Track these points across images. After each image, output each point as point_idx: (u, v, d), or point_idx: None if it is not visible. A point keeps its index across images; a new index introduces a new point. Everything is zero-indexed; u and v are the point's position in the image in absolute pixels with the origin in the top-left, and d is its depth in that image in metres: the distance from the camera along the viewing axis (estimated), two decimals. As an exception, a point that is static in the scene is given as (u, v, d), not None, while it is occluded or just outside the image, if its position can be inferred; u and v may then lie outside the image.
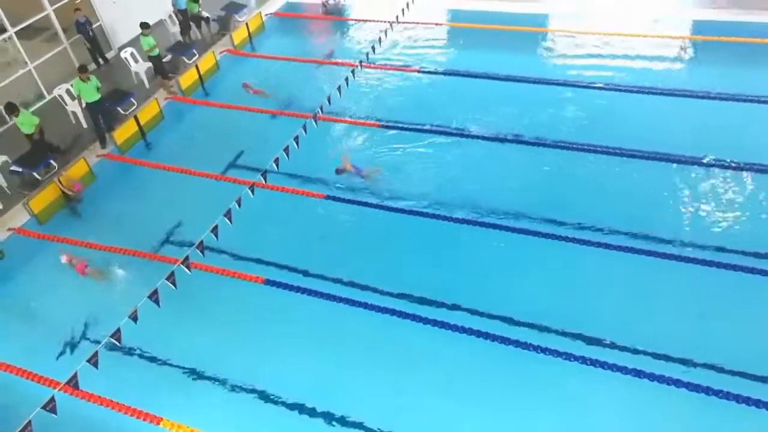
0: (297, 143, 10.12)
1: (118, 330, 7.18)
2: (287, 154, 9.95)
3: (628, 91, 12.34)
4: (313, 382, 7.74)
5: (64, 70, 14.35)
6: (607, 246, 8.92)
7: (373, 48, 13.34)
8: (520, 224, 9.52)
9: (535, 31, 15.11)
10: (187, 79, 14.30)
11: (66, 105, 13.28)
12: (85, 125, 13.16)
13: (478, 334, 7.93)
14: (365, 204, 10.31)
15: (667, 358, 7.43)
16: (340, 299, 8.66)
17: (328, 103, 11.36)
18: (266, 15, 17.44)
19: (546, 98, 12.51)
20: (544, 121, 11.68)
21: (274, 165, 9.76)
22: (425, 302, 8.49)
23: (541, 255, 9.07)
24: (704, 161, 10.28)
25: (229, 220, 8.73)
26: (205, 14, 16.38)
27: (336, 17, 17.63)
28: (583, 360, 7.47)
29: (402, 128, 12.08)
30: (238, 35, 16.13)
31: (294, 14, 18.04)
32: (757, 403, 6.82)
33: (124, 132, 12.62)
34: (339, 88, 11.49)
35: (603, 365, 7.39)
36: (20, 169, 11.55)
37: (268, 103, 13.38)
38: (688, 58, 13.58)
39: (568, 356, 7.52)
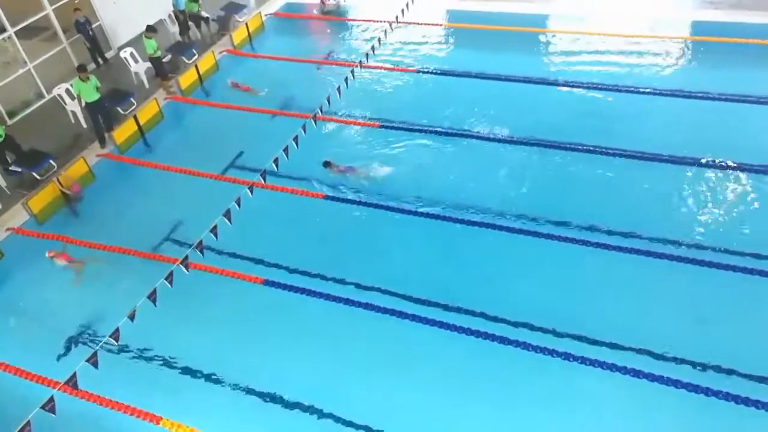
0: (296, 143, 10.12)
1: (117, 330, 7.18)
2: (287, 155, 9.96)
3: (628, 92, 12.33)
4: (313, 381, 7.73)
5: (63, 69, 14.36)
6: (607, 246, 8.92)
7: (373, 48, 13.35)
8: (521, 225, 9.52)
9: (534, 32, 15.12)
10: (186, 79, 14.30)
11: (65, 105, 13.28)
12: (84, 125, 13.16)
13: (478, 334, 7.92)
14: (364, 204, 10.31)
15: (667, 358, 7.43)
16: (338, 299, 8.65)
17: (327, 103, 11.36)
18: (266, 15, 17.46)
19: (546, 99, 12.53)
20: (544, 122, 11.67)
21: (274, 165, 9.76)
22: (425, 302, 8.48)
23: (542, 255, 9.06)
24: (704, 162, 10.28)
25: (229, 220, 8.74)
26: (204, 14, 16.40)
27: (335, 17, 17.64)
28: (584, 360, 7.46)
29: (401, 128, 12.08)
30: (238, 35, 16.14)
31: (294, 15, 18.05)
32: (757, 404, 6.81)
33: (123, 132, 12.62)
34: (338, 89, 11.49)
35: (603, 365, 7.38)
36: (19, 169, 11.55)
37: (268, 103, 13.37)
38: (688, 59, 13.59)
39: (568, 356, 7.52)
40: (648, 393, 7.12)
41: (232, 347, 8.30)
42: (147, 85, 14.41)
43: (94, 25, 14.92)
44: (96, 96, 12.07)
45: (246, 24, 16.45)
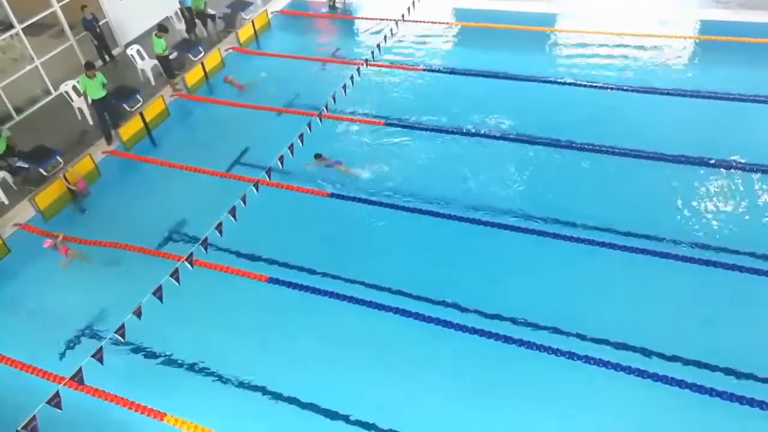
0: (302, 141, 10.13)
1: (123, 326, 7.21)
2: (292, 152, 9.97)
3: (632, 91, 12.28)
4: (317, 379, 7.74)
5: (70, 66, 14.41)
6: (613, 246, 8.89)
7: (379, 46, 13.34)
8: (524, 223, 9.51)
9: (540, 31, 15.07)
10: (192, 76, 14.33)
11: (72, 101, 13.34)
12: (91, 122, 13.21)
13: (480, 333, 7.91)
14: (368, 202, 10.30)
15: (671, 358, 7.41)
16: (343, 297, 8.65)
17: (333, 101, 11.36)
18: (272, 13, 17.46)
19: (550, 98, 12.49)
20: (549, 121, 11.63)
21: (279, 162, 9.78)
22: (428, 301, 8.48)
23: (544, 254, 9.04)
24: (709, 162, 10.23)
25: (234, 217, 8.75)
26: (211, 12, 16.42)
27: (342, 15, 17.63)
28: (588, 359, 7.45)
29: (407, 126, 12.08)
30: (244, 33, 16.15)
31: (300, 12, 18.05)
32: (762, 405, 6.79)
33: (129, 129, 12.65)
34: (344, 87, 11.48)
35: (607, 365, 7.37)
36: (26, 165, 11.61)
37: (274, 100, 13.38)
38: (695, 59, 13.51)
39: (572, 355, 7.50)
40: (649, 393, 7.10)
41: (237, 344, 8.32)
42: (153, 83, 14.45)
43: (101, 22, 14.97)
44: (102, 93, 12.11)
45: (252, 21, 16.45)
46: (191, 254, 8.15)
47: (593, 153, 10.79)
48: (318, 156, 10.96)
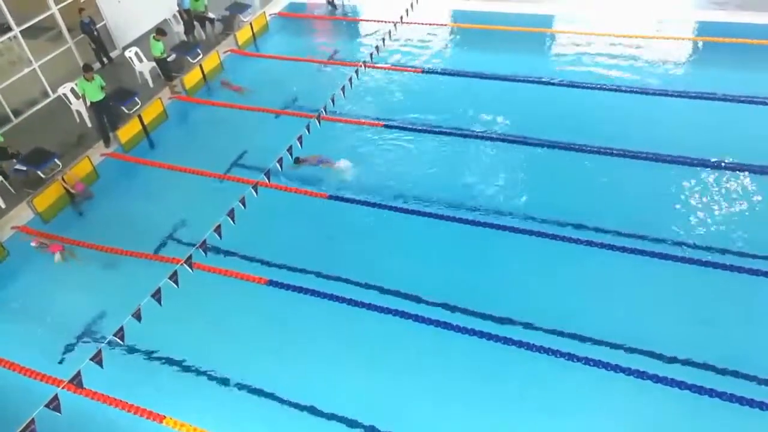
0: (300, 143, 10.12)
1: (122, 328, 7.18)
2: (290, 154, 9.96)
3: (633, 92, 12.32)
4: (316, 381, 7.73)
5: (68, 69, 14.39)
6: (612, 247, 8.90)
7: (377, 48, 13.33)
8: (526, 225, 9.51)
9: (539, 32, 15.10)
10: (191, 78, 14.32)
11: (70, 104, 13.32)
12: (89, 124, 13.18)
13: (482, 335, 7.91)
14: (368, 204, 10.30)
15: (671, 359, 7.41)
16: (342, 300, 8.64)
17: (331, 103, 11.36)
18: (270, 15, 17.47)
19: (551, 99, 12.51)
20: (549, 122, 11.64)
21: (278, 165, 9.77)
22: (428, 303, 8.47)
23: (548, 256, 9.04)
24: (710, 163, 10.25)
25: (232, 219, 8.73)
26: (209, 14, 16.42)
27: (340, 17, 17.64)
28: (587, 361, 7.45)
29: (405, 128, 12.08)
30: (242, 35, 16.15)
31: (298, 14, 18.06)
32: (761, 406, 6.79)
33: (128, 131, 12.64)
34: (343, 89, 11.49)
35: (606, 366, 7.37)
36: (24, 168, 11.58)
37: (272, 102, 13.38)
38: (695, 60, 13.54)
39: (571, 357, 7.51)
40: (650, 394, 7.10)
41: (237, 347, 8.30)
42: (151, 85, 14.44)
43: (98, 25, 14.96)
44: (101, 95, 12.10)
45: (250, 24, 16.46)
46: (190, 257, 8.13)
47: (593, 154, 10.79)
48: (297, 159, 10.78)
